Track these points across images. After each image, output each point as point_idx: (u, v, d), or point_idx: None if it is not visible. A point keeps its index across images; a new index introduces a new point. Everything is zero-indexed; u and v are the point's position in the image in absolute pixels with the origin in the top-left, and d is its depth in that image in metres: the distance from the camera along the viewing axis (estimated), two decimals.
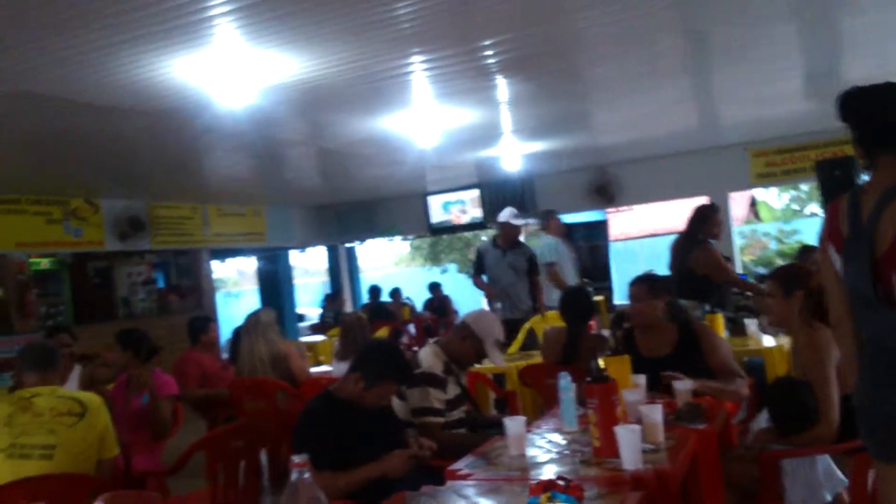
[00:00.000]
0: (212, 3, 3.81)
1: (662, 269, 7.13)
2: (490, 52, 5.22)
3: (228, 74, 4.84)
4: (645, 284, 4.08)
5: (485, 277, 8.10)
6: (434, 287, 14.05)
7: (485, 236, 22.34)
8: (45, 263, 11.07)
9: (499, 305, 7.86)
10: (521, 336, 7.09)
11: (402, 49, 4.92)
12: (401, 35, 4.60)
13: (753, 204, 23.31)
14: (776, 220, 22.18)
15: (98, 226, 9.67)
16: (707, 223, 6.15)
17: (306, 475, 1.44)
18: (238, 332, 6.90)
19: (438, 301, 13.75)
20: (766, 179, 11.11)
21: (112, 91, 5.06)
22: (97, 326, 9.29)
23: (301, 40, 4.49)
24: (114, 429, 3.53)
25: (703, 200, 11.93)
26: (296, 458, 1.45)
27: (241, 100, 5.18)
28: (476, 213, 12.83)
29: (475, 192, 12.68)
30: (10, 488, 2.97)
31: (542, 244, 8.49)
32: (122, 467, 4.31)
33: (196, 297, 11.77)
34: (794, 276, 3.65)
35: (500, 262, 7.82)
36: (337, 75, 5.26)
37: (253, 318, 6.18)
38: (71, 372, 5.50)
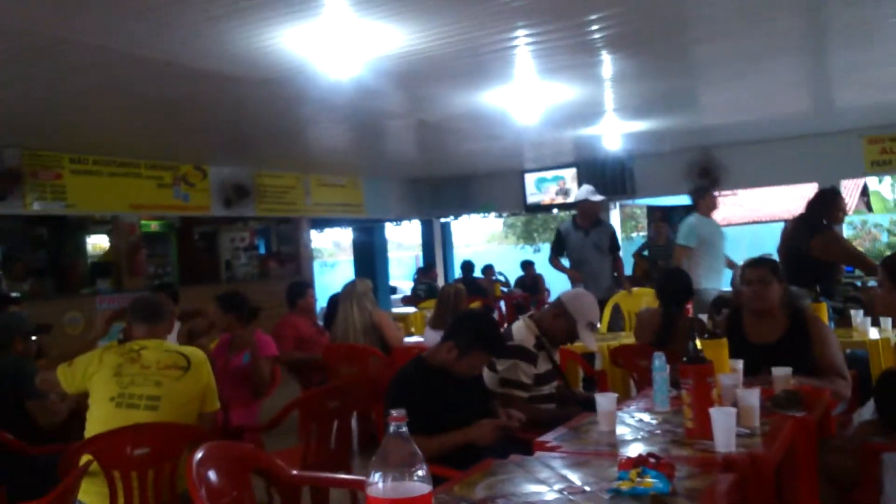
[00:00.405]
0: None
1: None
2: (596, 27, 5.15)
3: (335, 45, 4.92)
4: (766, 267, 3.96)
5: (564, 261, 7.93)
6: (527, 265, 14.02)
7: None
8: (154, 226, 11.59)
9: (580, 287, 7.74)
10: (606, 314, 6.99)
11: (507, 22, 4.90)
12: (507, 8, 4.59)
13: (865, 193, 22.30)
14: (889, 211, 21.18)
15: (205, 191, 10.05)
16: (830, 207, 5.96)
17: (403, 429, 1.48)
18: (334, 300, 7.07)
19: (531, 279, 13.72)
20: (880, 168, 10.61)
21: (224, 59, 5.23)
22: (201, 288, 9.67)
23: (408, 12, 4.53)
24: (215, 385, 3.66)
25: (811, 187, 11.54)
26: (394, 412, 1.49)
27: (347, 71, 5.27)
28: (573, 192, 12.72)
29: (572, 171, 12.57)
30: (117, 434, 3.12)
31: (685, 224, 7.80)
32: (221, 422, 4.50)
33: (295, 264, 12.10)
34: None
35: (583, 243, 7.64)
36: (441, 48, 5.28)
37: (350, 287, 6.33)
38: (172, 328, 5.76)
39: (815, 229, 5.83)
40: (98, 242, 11.45)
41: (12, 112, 6.73)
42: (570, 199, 12.38)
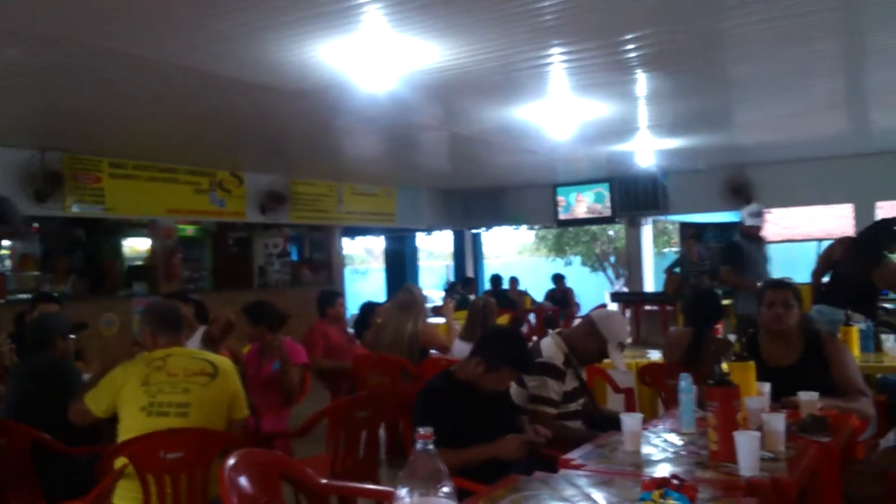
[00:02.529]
0: None
1: (798, 274, 6.89)
2: (632, 46, 5.18)
3: (372, 60, 5.01)
4: (790, 291, 3.96)
5: None
6: (557, 278, 14.00)
7: (612, 230, 22.07)
8: (190, 231, 11.74)
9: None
10: None
11: (543, 40, 4.95)
12: (542, 26, 4.64)
13: None
14: None
15: (241, 198, 10.20)
16: (894, 239, 5.96)
17: (430, 446, 1.52)
18: (367, 308, 7.13)
19: (561, 293, 13.69)
20: None
21: (263, 70, 5.33)
22: (233, 293, 9.80)
23: (444, 28, 4.60)
24: (245, 392, 3.69)
25: (846, 208, 11.43)
26: (421, 430, 1.53)
27: (382, 84, 5.35)
28: (605, 207, 12.74)
29: (605, 187, 12.58)
30: (152, 438, 3.18)
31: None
32: (253, 428, 4.57)
33: (326, 271, 12.21)
34: None
35: (757, 257, 7.34)
36: (476, 64, 5.35)
37: (409, 297, 6.22)
38: (194, 332, 5.82)
39: (877, 258, 5.82)
40: (135, 246, 11.63)
41: (55, 117, 6.92)
42: (594, 214, 12.40)
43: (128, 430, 3.26)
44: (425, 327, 6.18)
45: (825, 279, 6.21)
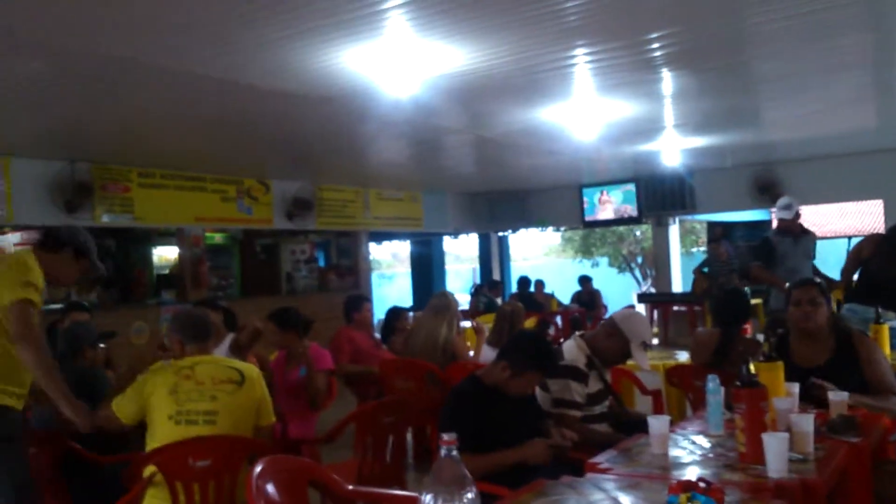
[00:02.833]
0: None
1: (828, 272, 6.80)
2: (656, 45, 5.15)
3: (396, 65, 5.03)
4: (815, 288, 3.91)
5: None
6: (584, 280, 13.93)
7: (638, 231, 21.95)
8: (217, 238, 11.86)
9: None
10: None
11: (567, 41, 4.94)
12: (566, 27, 4.63)
13: None
14: None
15: (268, 205, 10.28)
16: None
17: (454, 452, 1.53)
18: (394, 312, 7.14)
19: (588, 294, 13.62)
20: None
21: (288, 78, 5.37)
22: (261, 300, 9.88)
23: (468, 32, 4.60)
24: (272, 398, 3.70)
25: (876, 204, 11.27)
26: (445, 436, 1.54)
27: (407, 89, 5.36)
28: (631, 207, 12.68)
29: (631, 187, 12.51)
30: (180, 446, 3.21)
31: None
32: (280, 434, 4.59)
33: (353, 276, 12.27)
34: None
35: (794, 251, 7.14)
36: (500, 66, 5.34)
37: (444, 302, 6.22)
38: (223, 340, 5.86)
39: None
40: (163, 254, 11.77)
41: (83, 128, 7.01)
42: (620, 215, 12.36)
43: (156, 438, 3.29)
44: (459, 338, 6.18)
45: (855, 277, 6.13)
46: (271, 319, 5.10)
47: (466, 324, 7.39)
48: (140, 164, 8.78)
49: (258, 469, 2.65)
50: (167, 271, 10.80)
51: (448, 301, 6.21)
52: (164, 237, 11.16)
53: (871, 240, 6.15)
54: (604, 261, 23.78)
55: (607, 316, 12.18)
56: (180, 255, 10.03)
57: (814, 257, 7.21)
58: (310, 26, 4.37)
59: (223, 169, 9.55)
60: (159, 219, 9.27)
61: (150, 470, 3.16)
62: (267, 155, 8.94)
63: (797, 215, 7.24)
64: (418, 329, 6.23)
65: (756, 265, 7.21)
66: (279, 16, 4.19)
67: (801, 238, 7.22)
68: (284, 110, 6.45)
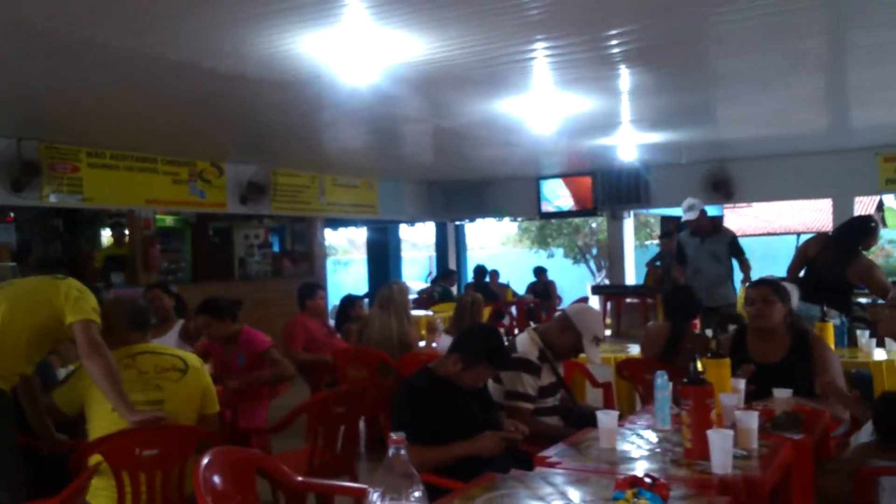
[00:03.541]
0: None
1: (778, 268, 6.94)
2: (615, 42, 5.17)
3: (354, 52, 4.97)
4: (769, 287, 3.99)
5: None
6: (539, 271, 14.04)
7: (594, 223, 22.16)
8: (169, 221, 11.67)
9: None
10: None
11: (527, 35, 4.93)
12: (527, 21, 4.62)
13: (880, 209, 22.16)
14: None
15: (221, 188, 10.13)
16: (869, 235, 6.02)
17: (402, 452, 1.52)
18: (347, 300, 7.12)
19: (542, 285, 13.73)
20: (895, 186, 10.62)
21: (244, 62, 5.28)
22: (213, 285, 9.74)
23: (427, 22, 4.57)
24: (217, 387, 3.68)
25: (826, 203, 11.54)
26: (393, 435, 1.54)
27: (365, 77, 5.32)
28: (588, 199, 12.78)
29: (588, 179, 12.61)
30: (127, 435, 3.14)
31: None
32: (229, 422, 4.55)
33: (308, 263, 12.16)
34: None
35: (699, 251, 7.47)
36: (459, 58, 5.32)
37: (386, 294, 6.22)
38: (173, 325, 5.78)
39: (850, 255, 5.86)
40: (113, 236, 11.52)
41: (32, 106, 6.82)
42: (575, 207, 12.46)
43: (100, 430, 3.22)
44: (412, 328, 6.19)
45: (801, 275, 6.25)
46: (204, 312, 5.01)
47: (420, 313, 7.42)
48: (90, 143, 8.58)
49: (206, 460, 2.62)
50: (116, 253, 10.57)
51: (391, 293, 6.19)
52: (115, 218, 10.94)
53: (817, 239, 6.29)
54: (559, 251, 23.98)
55: (561, 307, 12.37)
56: (130, 237, 9.84)
57: (733, 255, 7.42)
58: (268, 10, 4.30)
59: (176, 150, 9.37)
60: (109, 200, 9.05)
61: (95, 459, 3.10)
62: (221, 137, 8.81)
63: (702, 214, 7.48)
64: (371, 324, 6.22)
65: (676, 264, 7.66)
66: None
67: (709, 238, 7.45)
68: (240, 93, 6.35)
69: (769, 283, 4.05)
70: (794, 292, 4.26)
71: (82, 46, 4.88)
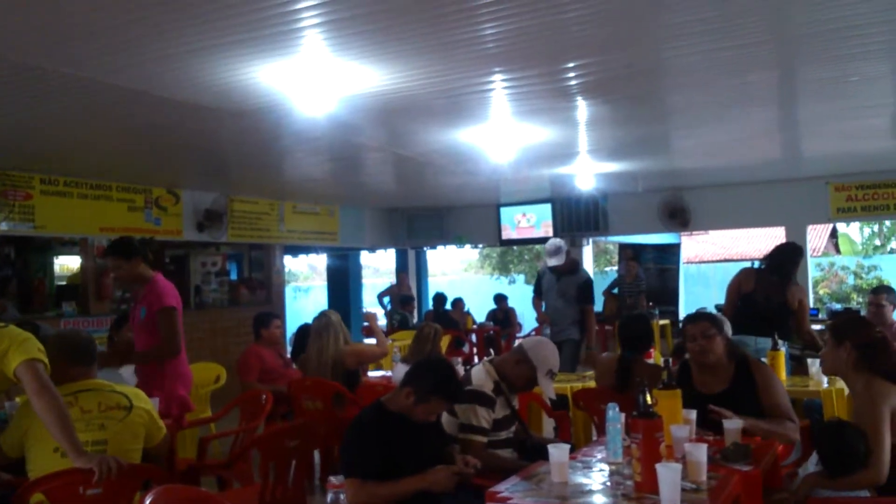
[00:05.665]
0: (303, 16, 3.94)
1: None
2: (572, 75, 5.25)
3: (311, 82, 4.98)
4: (707, 321, 4.04)
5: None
6: (500, 298, 14.05)
7: None
8: None
9: (547, 330, 7.78)
10: None
11: (485, 67, 4.98)
12: (485, 54, 4.67)
13: (834, 235, 22.67)
14: (856, 254, 21.56)
15: (177, 215, 10.01)
16: (798, 262, 6.14)
17: (341, 496, 1.51)
18: (303, 330, 7.04)
19: (503, 313, 13.74)
20: (846, 214, 10.94)
21: (201, 90, 5.26)
22: None
23: (385, 54, 4.59)
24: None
25: (780, 230, 11.76)
26: (333, 480, 1.52)
27: (323, 107, 5.31)
28: (547, 227, 12.87)
29: (547, 207, 12.72)
30: (70, 474, 3.02)
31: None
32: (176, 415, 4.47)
33: (265, 291, 12.03)
34: (845, 325, 3.67)
35: (552, 287, 7.66)
36: (418, 89, 5.36)
37: (323, 321, 6.13)
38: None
39: (788, 279, 5.93)
40: (65, 263, 11.32)
41: None
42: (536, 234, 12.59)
43: (40, 470, 3.12)
44: (349, 347, 6.09)
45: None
46: (111, 254, 4.75)
47: (372, 341, 7.35)
48: (43, 170, 8.44)
49: (149, 500, 2.56)
50: (69, 282, 10.36)
51: (327, 319, 6.09)
52: (67, 246, 10.73)
53: (747, 273, 6.17)
54: (521, 278, 24.05)
55: (521, 335, 12.33)
56: (83, 265, 9.66)
57: (579, 300, 7.55)
58: (224, 41, 4.29)
59: (132, 177, 9.24)
60: (62, 228, 8.89)
61: (37, 498, 3.01)
62: (178, 165, 8.72)
63: (567, 256, 7.64)
64: (308, 355, 6.10)
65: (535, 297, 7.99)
66: (192, 27, 4.09)
67: (564, 277, 7.62)
68: (197, 122, 6.30)
69: (706, 317, 4.10)
70: (725, 324, 4.30)
71: (34, 73, 4.81)
